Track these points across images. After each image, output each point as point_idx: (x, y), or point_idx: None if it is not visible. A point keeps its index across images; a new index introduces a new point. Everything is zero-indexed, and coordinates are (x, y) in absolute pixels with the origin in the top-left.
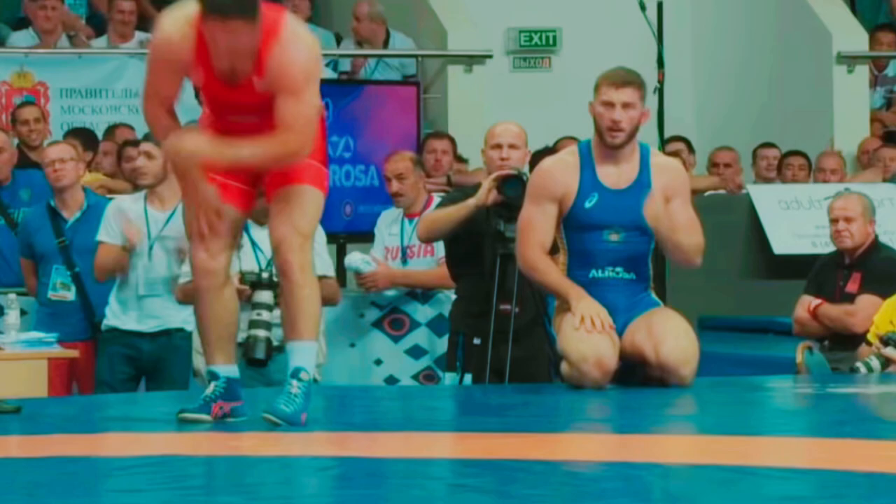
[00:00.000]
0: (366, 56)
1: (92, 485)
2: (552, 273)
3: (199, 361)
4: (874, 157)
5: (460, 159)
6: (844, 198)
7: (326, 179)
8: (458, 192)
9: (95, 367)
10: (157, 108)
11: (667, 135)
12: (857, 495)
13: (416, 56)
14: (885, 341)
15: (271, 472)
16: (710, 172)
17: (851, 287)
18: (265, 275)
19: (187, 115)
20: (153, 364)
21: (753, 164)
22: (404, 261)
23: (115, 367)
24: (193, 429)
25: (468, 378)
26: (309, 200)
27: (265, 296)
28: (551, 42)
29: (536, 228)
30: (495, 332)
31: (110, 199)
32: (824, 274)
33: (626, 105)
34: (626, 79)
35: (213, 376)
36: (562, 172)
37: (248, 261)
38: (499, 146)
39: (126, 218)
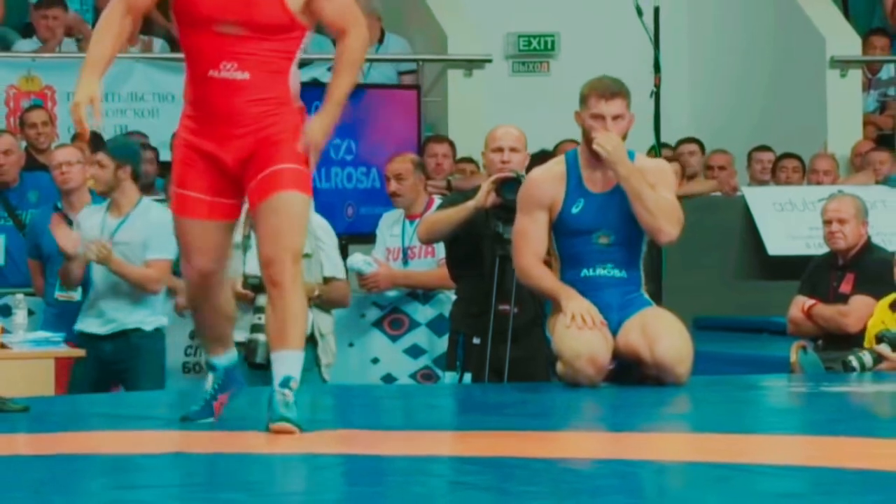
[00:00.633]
0: (369, 61)
1: (96, 483)
2: (545, 278)
3: None
4: (866, 159)
5: (468, 161)
6: (838, 200)
7: (311, 180)
8: (457, 194)
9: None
10: (121, 12)
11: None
12: (849, 492)
13: (416, 60)
14: (880, 338)
15: (274, 470)
16: (706, 175)
17: (845, 287)
18: None
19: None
20: (118, 367)
21: (749, 166)
22: (405, 262)
23: (87, 371)
24: (197, 427)
25: (468, 377)
26: (298, 212)
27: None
28: (550, 47)
29: (529, 237)
30: (494, 333)
31: None
32: (818, 275)
33: (615, 117)
34: (614, 90)
35: (212, 367)
36: (548, 181)
37: (251, 264)
38: (499, 149)
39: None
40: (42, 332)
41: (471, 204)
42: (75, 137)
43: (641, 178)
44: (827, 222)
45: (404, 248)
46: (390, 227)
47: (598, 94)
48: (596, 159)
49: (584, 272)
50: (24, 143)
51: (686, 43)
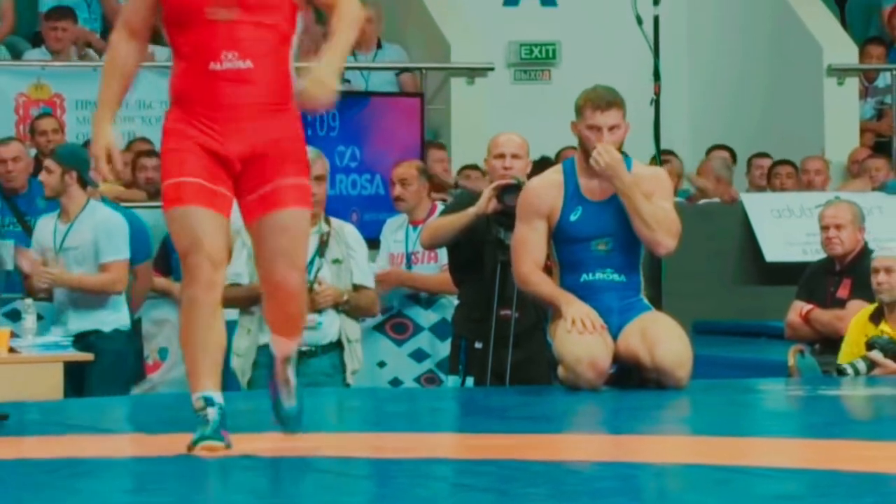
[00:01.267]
0: (369, 69)
1: (99, 485)
2: (544, 285)
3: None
4: (863, 166)
5: (472, 168)
6: (835, 206)
7: (311, 194)
8: (459, 200)
9: None
10: (125, 38)
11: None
12: (845, 494)
13: (419, 68)
14: (871, 345)
15: (279, 473)
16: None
17: (842, 292)
18: None
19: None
20: (80, 370)
21: (748, 173)
22: (409, 267)
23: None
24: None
25: (470, 381)
26: (304, 230)
27: None
28: (551, 55)
29: (528, 245)
30: (496, 337)
31: (125, 207)
32: (815, 280)
33: (611, 127)
34: (609, 100)
35: (210, 402)
36: (546, 190)
37: None
38: (502, 156)
39: (20, 250)
40: (51, 336)
41: (472, 210)
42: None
43: (639, 192)
44: (824, 228)
45: (408, 253)
46: (394, 233)
47: (593, 104)
48: (594, 168)
49: (584, 277)
50: (33, 151)
51: (685, 51)
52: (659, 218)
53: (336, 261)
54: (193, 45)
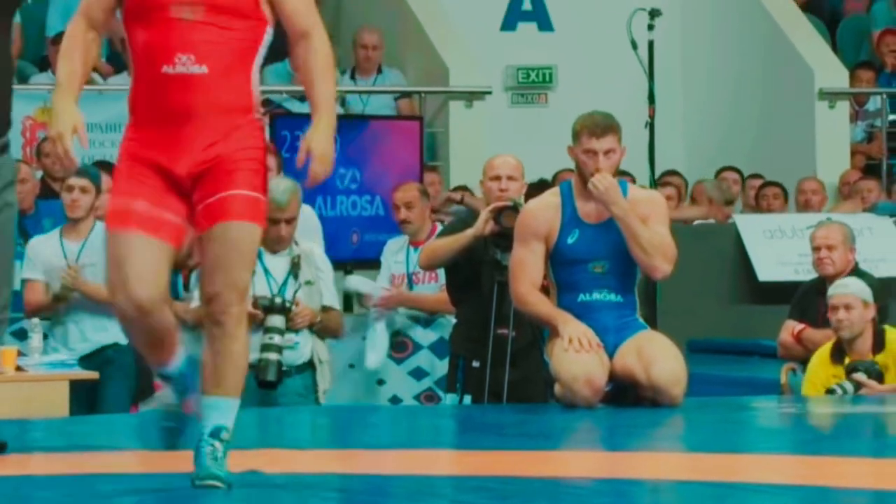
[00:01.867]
0: (370, 92)
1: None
2: (541, 305)
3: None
4: (854, 188)
5: (462, 189)
6: (826, 227)
7: (264, 209)
8: (457, 221)
9: None
10: (83, 28)
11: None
12: None
13: (418, 92)
14: (852, 369)
15: (279, 490)
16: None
17: None
18: (277, 300)
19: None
20: (92, 386)
21: (741, 194)
22: (410, 287)
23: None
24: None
25: (468, 399)
26: (248, 245)
27: (277, 320)
28: (548, 79)
29: (526, 267)
30: (493, 356)
31: None
32: (807, 300)
33: (607, 152)
34: (605, 126)
35: (166, 377)
36: (544, 212)
37: (260, 286)
38: (497, 178)
39: (58, 267)
40: (57, 354)
41: (470, 232)
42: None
43: (635, 217)
44: (816, 249)
45: (409, 273)
46: (395, 254)
47: (589, 130)
48: (590, 193)
49: (581, 297)
50: (39, 173)
51: (679, 75)
52: (655, 243)
53: (308, 282)
54: (149, 45)
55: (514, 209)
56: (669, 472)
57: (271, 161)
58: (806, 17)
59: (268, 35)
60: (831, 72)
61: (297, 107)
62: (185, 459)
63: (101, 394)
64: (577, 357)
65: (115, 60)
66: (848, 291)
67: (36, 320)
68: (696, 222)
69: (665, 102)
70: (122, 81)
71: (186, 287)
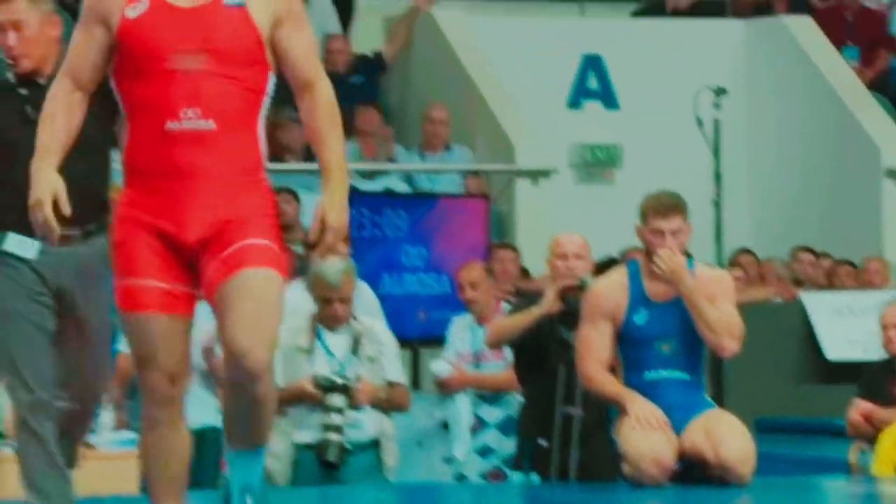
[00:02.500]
0: (437, 171)
1: None
2: (609, 384)
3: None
4: None
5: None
6: (895, 306)
7: (284, 261)
8: (524, 300)
9: None
10: (67, 89)
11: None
12: None
13: (485, 171)
14: None
15: None
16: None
17: None
18: (337, 379)
19: None
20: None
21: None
22: (476, 365)
23: None
24: None
25: (535, 478)
26: (273, 294)
27: (337, 400)
28: (613, 157)
29: (592, 346)
30: (561, 435)
31: None
32: (876, 379)
33: (674, 232)
34: (671, 206)
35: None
36: (611, 291)
37: (321, 365)
38: (564, 256)
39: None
40: (127, 432)
41: (536, 310)
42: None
43: (702, 296)
44: (885, 328)
45: (475, 352)
46: (461, 332)
47: (655, 210)
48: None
49: (648, 376)
50: None
51: (745, 153)
52: (723, 322)
53: (370, 359)
54: (149, 100)
55: (581, 288)
56: None
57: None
58: (872, 95)
59: (271, 83)
60: None
61: (364, 184)
62: None
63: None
64: (645, 436)
65: None
66: None
67: (107, 396)
68: (762, 300)
69: (731, 181)
70: None
71: None
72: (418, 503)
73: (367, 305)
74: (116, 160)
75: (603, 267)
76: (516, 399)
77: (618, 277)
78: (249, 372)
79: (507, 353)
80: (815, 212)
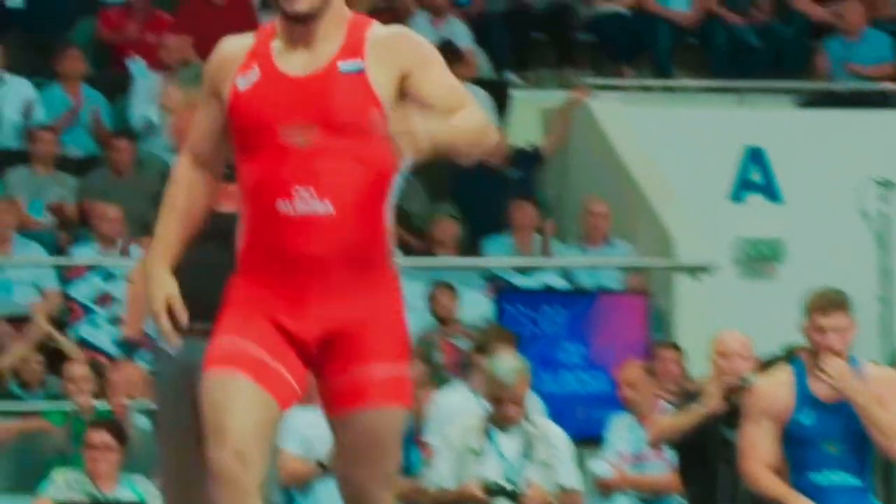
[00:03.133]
0: (595, 266)
1: None
2: (774, 485)
3: None
4: None
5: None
6: None
7: (409, 386)
8: (685, 399)
9: None
10: (188, 166)
11: (893, 344)
12: None
13: (644, 267)
14: None
15: None
16: None
17: None
18: (507, 485)
19: None
20: None
21: None
22: (637, 465)
23: None
24: None
25: None
26: (392, 436)
27: None
28: (776, 251)
29: (757, 446)
30: None
31: None
32: None
33: (839, 330)
34: (836, 303)
35: None
36: (776, 391)
37: (491, 466)
38: (726, 354)
39: (314, 436)
40: None
41: (699, 409)
42: None
43: (871, 399)
44: None
45: (636, 452)
46: (621, 432)
47: (819, 307)
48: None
49: (814, 478)
50: None
51: None
52: (894, 425)
53: (543, 463)
54: (261, 178)
55: (745, 387)
56: None
57: None
58: None
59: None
60: None
61: (521, 281)
62: None
63: None
64: None
65: None
66: None
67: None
68: None
69: None
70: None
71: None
72: None
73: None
74: None
75: (765, 366)
76: (678, 501)
77: (783, 376)
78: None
79: (669, 453)
80: None
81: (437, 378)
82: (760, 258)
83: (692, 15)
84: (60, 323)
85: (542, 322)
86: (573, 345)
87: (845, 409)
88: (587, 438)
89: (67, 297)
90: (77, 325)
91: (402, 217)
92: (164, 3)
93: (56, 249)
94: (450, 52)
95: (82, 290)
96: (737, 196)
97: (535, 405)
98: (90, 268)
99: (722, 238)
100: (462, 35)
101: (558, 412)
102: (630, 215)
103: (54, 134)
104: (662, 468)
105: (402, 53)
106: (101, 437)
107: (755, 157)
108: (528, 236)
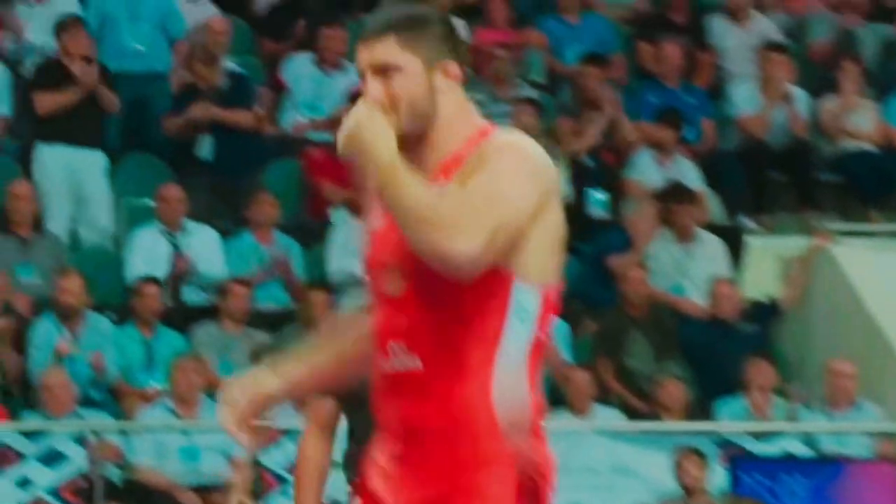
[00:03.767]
0: (843, 432)
1: None
2: None
3: None
4: None
5: None
6: None
7: None
8: None
9: None
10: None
11: None
12: None
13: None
14: None
15: None
16: None
17: None
18: None
19: None
20: None
21: None
22: None
23: None
24: None
25: None
26: None
27: None
28: None
29: None
30: None
31: None
32: None
33: None
34: None
35: None
36: None
37: None
38: None
39: None
40: None
41: None
42: None
43: None
44: None
45: None
46: None
47: None
48: None
49: None
50: None
51: None
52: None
53: None
54: (373, 333)
55: None
56: None
57: None
58: None
59: (521, 301)
60: None
61: (757, 447)
62: None
63: None
64: None
65: None
66: None
67: None
68: None
69: None
70: None
71: None
72: None
73: None
74: None
75: None
76: None
77: None
78: None
79: None
80: None
81: None
82: None
83: None
84: (254, 494)
85: (782, 493)
86: None
87: None
88: None
89: (259, 466)
90: (270, 498)
91: (625, 376)
92: None
93: None
94: (679, 193)
95: (275, 458)
96: None
97: None
98: (285, 433)
99: None
100: (691, 175)
101: None
102: (880, 375)
103: (247, 288)
104: None
105: (478, 162)
106: None
107: None
108: (765, 398)
